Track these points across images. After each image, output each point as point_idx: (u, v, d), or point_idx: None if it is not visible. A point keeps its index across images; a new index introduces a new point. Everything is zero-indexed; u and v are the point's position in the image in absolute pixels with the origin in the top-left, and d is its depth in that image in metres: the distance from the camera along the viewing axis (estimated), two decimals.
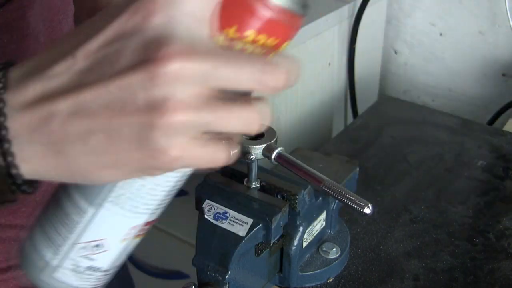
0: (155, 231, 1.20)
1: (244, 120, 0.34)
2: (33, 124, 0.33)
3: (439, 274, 0.70)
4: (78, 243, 0.42)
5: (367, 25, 1.16)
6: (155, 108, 0.32)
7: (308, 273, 0.67)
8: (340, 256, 0.69)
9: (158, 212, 0.43)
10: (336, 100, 1.18)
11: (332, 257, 0.68)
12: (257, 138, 0.58)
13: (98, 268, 0.44)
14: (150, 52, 0.31)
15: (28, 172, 0.35)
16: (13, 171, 0.34)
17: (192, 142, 0.33)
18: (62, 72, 0.33)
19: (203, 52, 0.32)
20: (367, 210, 0.54)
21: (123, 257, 0.45)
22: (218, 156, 0.35)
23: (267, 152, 0.57)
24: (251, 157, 0.57)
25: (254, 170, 0.60)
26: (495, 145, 0.96)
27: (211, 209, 0.58)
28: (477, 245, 0.75)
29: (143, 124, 0.32)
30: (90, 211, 0.40)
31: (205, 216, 0.58)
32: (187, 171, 0.41)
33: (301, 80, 1.12)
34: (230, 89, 0.33)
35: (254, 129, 0.35)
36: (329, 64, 1.11)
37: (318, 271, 0.67)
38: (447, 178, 0.88)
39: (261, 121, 0.35)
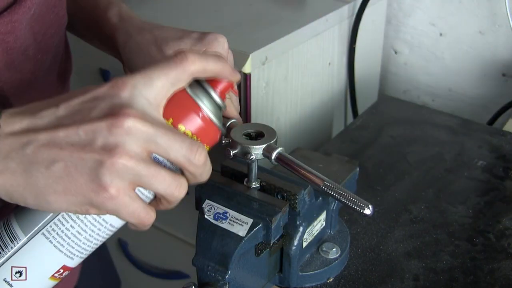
0: (155, 231, 1.20)
1: (166, 184, 0.45)
2: (14, 146, 0.43)
3: (439, 274, 0.70)
4: (4, 265, 0.47)
5: (367, 25, 1.16)
6: (107, 150, 0.42)
7: (308, 273, 0.67)
8: (340, 256, 0.69)
9: (76, 260, 0.49)
10: (336, 100, 1.18)
11: (332, 257, 0.68)
12: (257, 138, 0.59)
13: None
14: (114, 111, 0.43)
15: (1, 185, 0.43)
16: None
17: (127, 189, 0.44)
18: (46, 115, 0.44)
19: (151, 121, 0.44)
20: (367, 211, 0.54)
21: None
22: (138, 212, 0.45)
23: (267, 152, 0.57)
24: (251, 157, 0.57)
25: (254, 170, 0.60)
26: (495, 145, 0.96)
27: (211, 209, 0.58)
28: (477, 245, 0.75)
29: (96, 161, 0.42)
30: (23, 238, 0.47)
31: (205, 216, 0.58)
32: (113, 226, 0.48)
33: (301, 80, 1.12)
34: (163, 156, 0.45)
35: (172, 195, 0.46)
36: (329, 64, 1.11)
37: (318, 271, 0.67)
38: (447, 178, 0.88)
39: (179, 191, 0.46)
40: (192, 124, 0.47)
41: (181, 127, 0.47)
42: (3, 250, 0.47)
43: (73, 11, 0.70)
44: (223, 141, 0.56)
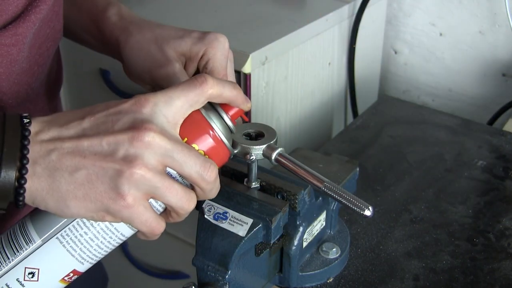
0: None
1: (178, 197, 0.48)
2: (41, 153, 0.46)
3: (439, 274, 0.70)
4: (18, 265, 0.49)
5: (367, 25, 1.16)
6: (128, 161, 0.45)
7: (308, 273, 0.67)
8: (340, 256, 0.69)
9: (85, 266, 0.51)
10: (336, 100, 1.18)
11: (332, 257, 0.68)
12: (257, 138, 0.59)
13: None
14: (136, 125, 0.46)
15: (27, 188, 0.46)
16: (22, 181, 0.45)
17: (142, 200, 0.47)
18: (72, 126, 0.47)
19: (169, 138, 0.47)
20: (368, 212, 0.54)
21: None
22: (151, 222, 0.48)
23: (267, 152, 0.57)
24: (251, 157, 0.57)
25: (254, 170, 0.60)
26: (495, 145, 0.96)
27: (211, 209, 0.58)
28: (477, 245, 0.75)
29: (116, 170, 0.45)
30: (38, 241, 0.49)
31: (205, 216, 0.58)
32: (124, 236, 0.51)
33: (301, 80, 1.11)
34: (178, 170, 0.48)
35: (182, 208, 0.49)
36: (329, 64, 1.11)
37: (318, 271, 0.67)
38: (447, 178, 0.88)
39: (188, 205, 0.49)
40: (205, 144, 0.51)
41: (195, 146, 0.50)
42: (18, 251, 0.49)
43: (71, 13, 0.70)
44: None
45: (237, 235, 0.56)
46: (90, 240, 0.49)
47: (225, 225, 0.57)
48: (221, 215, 0.57)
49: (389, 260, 0.72)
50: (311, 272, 0.67)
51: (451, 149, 0.95)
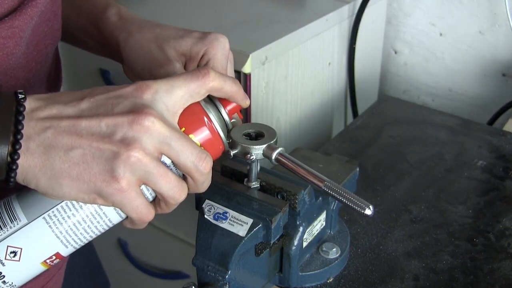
0: (155, 231, 1.20)
1: (171, 186, 0.47)
2: (36, 129, 0.45)
3: (439, 274, 0.70)
4: (1, 243, 0.48)
5: (367, 25, 1.16)
6: (125, 144, 0.45)
7: (308, 273, 0.67)
8: (340, 256, 0.69)
9: (69, 249, 0.50)
10: (336, 100, 1.18)
11: (332, 257, 0.68)
12: (257, 138, 0.58)
13: (3, 276, 0.48)
14: (137, 109, 0.46)
15: (20, 164, 0.45)
16: (15, 157, 0.44)
17: (135, 185, 0.46)
18: (70, 106, 0.47)
19: (168, 124, 0.47)
20: (368, 212, 0.54)
21: (28, 277, 0.50)
22: (141, 209, 0.48)
23: (267, 152, 0.57)
24: (251, 157, 0.57)
25: (254, 170, 0.60)
26: (495, 145, 0.96)
27: (211, 209, 0.58)
28: (477, 245, 0.75)
29: (113, 152, 0.45)
30: (23, 220, 0.48)
31: (205, 216, 0.58)
32: (111, 222, 0.50)
33: (301, 80, 1.11)
34: (174, 158, 0.47)
35: (173, 197, 0.48)
36: (329, 64, 1.11)
37: (318, 271, 0.67)
38: (447, 178, 0.88)
39: (179, 194, 0.48)
40: (202, 135, 0.51)
41: (192, 137, 0.51)
42: (1, 229, 0.48)
43: (71, 15, 0.70)
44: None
45: (237, 235, 0.56)
46: (78, 223, 0.48)
47: (225, 225, 0.57)
48: (221, 215, 0.58)
49: (389, 260, 0.72)
50: (311, 272, 0.67)
51: (451, 149, 0.95)
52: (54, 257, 0.50)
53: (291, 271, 0.65)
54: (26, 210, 0.48)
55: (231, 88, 0.52)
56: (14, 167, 0.45)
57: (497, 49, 1.16)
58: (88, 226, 0.49)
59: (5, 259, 0.48)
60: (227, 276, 0.56)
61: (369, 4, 1.10)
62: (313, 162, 0.72)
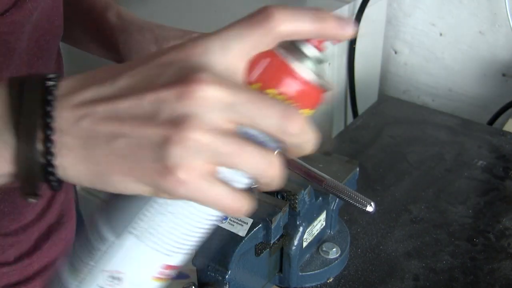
0: None
1: (253, 162, 0.36)
2: (69, 120, 0.37)
3: (439, 274, 0.70)
4: (95, 270, 0.41)
5: (367, 25, 1.16)
6: (175, 124, 0.35)
7: (308, 273, 0.67)
8: (340, 256, 0.69)
9: (179, 257, 0.41)
10: (336, 100, 1.18)
11: (332, 257, 0.68)
12: None
13: None
14: (184, 77, 0.35)
15: (58, 163, 0.38)
16: (49, 157, 0.37)
17: (202, 172, 0.35)
18: (109, 85, 0.37)
19: (233, 86, 0.36)
20: (370, 208, 0.54)
21: None
22: (223, 200, 0.37)
23: None
24: None
25: None
26: (495, 145, 0.96)
27: None
28: (477, 245, 0.75)
29: (161, 137, 0.35)
30: (111, 238, 0.40)
31: None
32: (211, 214, 0.40)
33: None
34: (250, 126, 0.36)
35: (263, 177, 0.37)
36: (329, 64, 1.11)
37: (318, 271, 0.67)
38: (447, 178, 0.88)
39: (273, 172, 0.37)
40: (285, 86, 0.39)
41: (272, 91, 0.38)
42: (94, 253, 0.41)
43: (70, 15, 0.70)
44: None
45: (237, 235, 0.56)
46: (172, 229, 0.39)
47: (225, 225, 0.57)
48: None
49: (389, 260, 0.72)
50: (311, 272, 0.67)
51: (451, 149, 0.95)
52: (163, 270, 0.41)
53: (291, 271, 0.65)
54: (112, 227, 0.40)
55: (313, 27, 0.38)
56: (50, 169, 0.38)
57: (497, 49, 1.16)
58: (187, 228, 0.40)
59: (108, 285, 0.41)
60: (227, 276, 0.56)
61: (369, 4, 1.10)
62: (313, 162, 0.72)
